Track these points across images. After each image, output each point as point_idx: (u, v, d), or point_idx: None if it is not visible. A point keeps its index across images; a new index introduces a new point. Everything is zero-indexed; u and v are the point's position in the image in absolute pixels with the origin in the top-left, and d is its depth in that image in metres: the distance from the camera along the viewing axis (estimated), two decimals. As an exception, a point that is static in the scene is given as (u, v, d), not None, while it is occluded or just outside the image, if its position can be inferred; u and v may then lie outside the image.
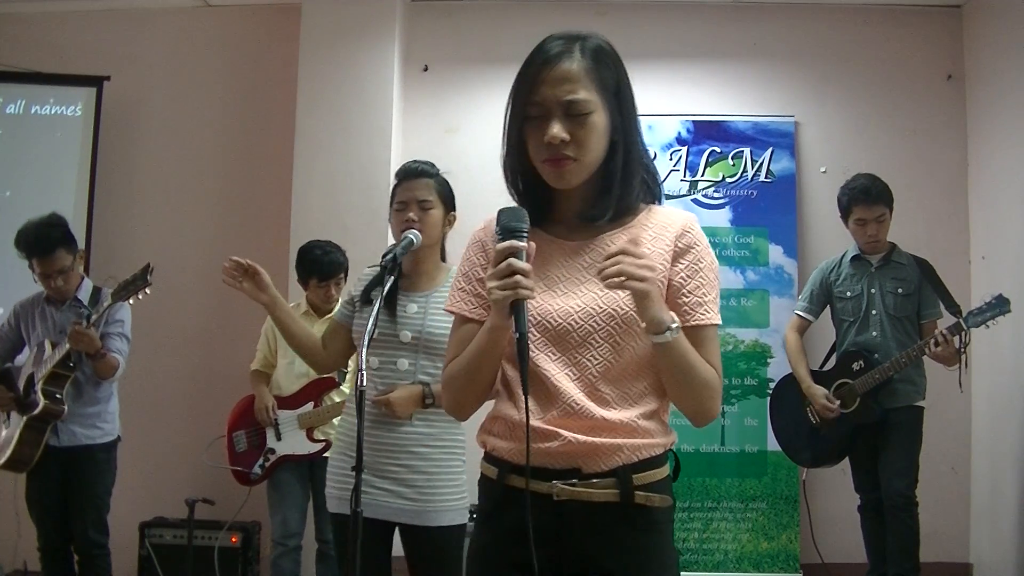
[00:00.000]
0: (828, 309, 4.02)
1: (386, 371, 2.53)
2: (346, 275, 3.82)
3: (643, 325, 1.48)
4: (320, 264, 3.75)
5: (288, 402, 3.78)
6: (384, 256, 2.30)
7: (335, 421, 3.61)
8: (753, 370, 4.59)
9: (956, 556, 4.52)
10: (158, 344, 4.60)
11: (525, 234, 1.48)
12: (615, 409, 1.54)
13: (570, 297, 1.56)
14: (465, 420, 1.69)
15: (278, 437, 3.76)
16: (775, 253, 4.67)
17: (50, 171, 4.80)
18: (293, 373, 3.77)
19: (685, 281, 1.57)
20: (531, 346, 1.53)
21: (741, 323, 4.61)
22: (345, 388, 3.75)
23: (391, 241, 2.68)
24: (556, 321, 1.54)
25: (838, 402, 3.78)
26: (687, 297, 1.56)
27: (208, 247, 4.80)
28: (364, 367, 1.93)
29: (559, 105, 1.52)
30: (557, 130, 1.51)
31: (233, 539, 4.24)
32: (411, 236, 2.46)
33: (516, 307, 1.44)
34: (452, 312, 1.66)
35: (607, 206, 1.58)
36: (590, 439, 1.52)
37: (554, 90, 1.52)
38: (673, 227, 1.60)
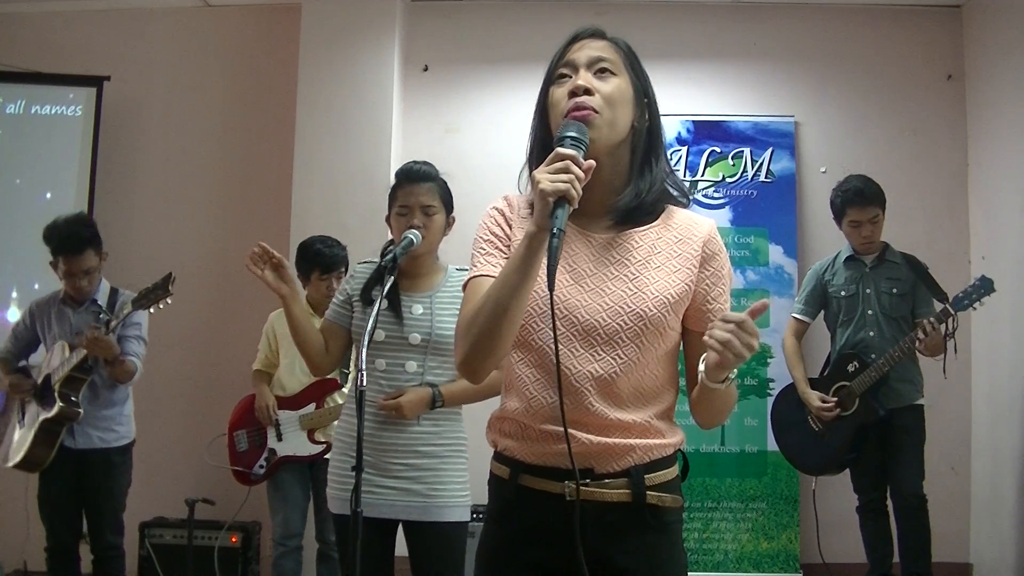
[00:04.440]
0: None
1: (394, 373, 2.53)
2: (347, 269, 3.82)
3: (701, 371, 1.46)
4: (323, 257, 3.76)
5: (290, 403, 3.77)
6: (383, 255, 2.29)
7: (336, 423, 3.61)
8: (753, 370, 4.59)
9: (956, 556, 4.52)
10: (157, 344, 4.56)
11: (584, 149, 1.44)
12: (629, 409, 1.53)
13: (598, 294, 1.54)
14: (479, 382, 1.58)
15: (279, 437, 3.76)
16: (775, 253, 4.67)
17: (50, 171, 4.80)
18: (296, 373, 3.76)
19: (710, 288, 1.58)
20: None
21: (741, 323, 4.60)
22: (347, 390, 3.74)
23: (391, 242, 2.66)
24: (583, 316, 1.52)
25: (834, 400, 3.78)
26: (711, 304, 1.57)
27: (208, 247, 4.81)
28: (364, 367, 1.92)
29: (587, 62, 1.56)
30: (583, 80, 1.53)
31: (233, 539, 4.24)
32: (411, 236, 2.46)
33: (559, 204, 1.38)
34: (481, 276, 1.56)
35: (632, 196, 1.57)
36: (603, 439, 1.51)
37: (582, 52, 1.57)
38: (699, 232, 1.60)
